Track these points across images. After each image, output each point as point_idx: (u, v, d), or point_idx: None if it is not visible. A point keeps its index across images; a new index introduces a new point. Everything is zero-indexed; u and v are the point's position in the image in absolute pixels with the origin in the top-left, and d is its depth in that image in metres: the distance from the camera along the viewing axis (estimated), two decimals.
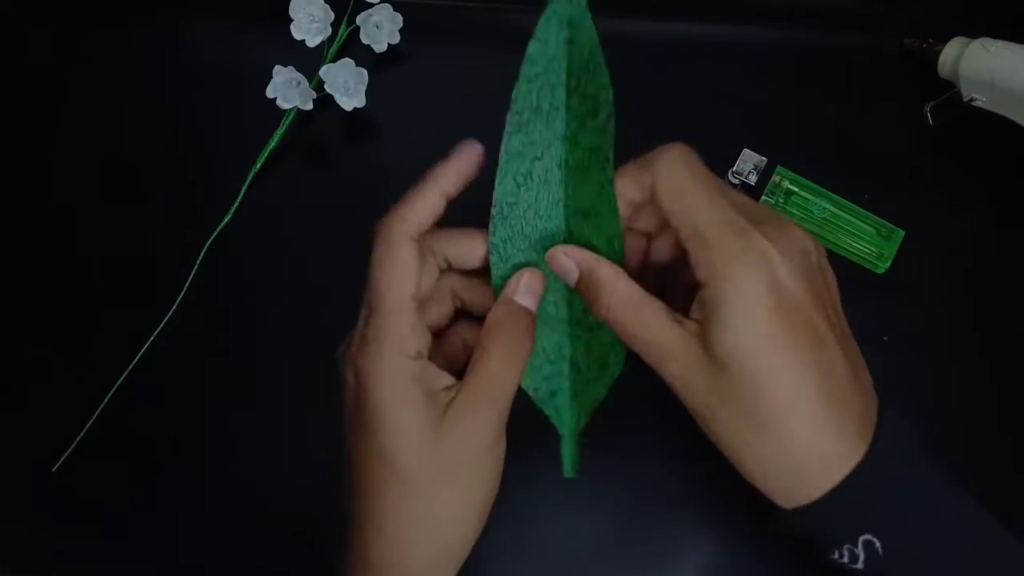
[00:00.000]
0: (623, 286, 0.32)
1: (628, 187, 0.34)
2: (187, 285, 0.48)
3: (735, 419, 0.30)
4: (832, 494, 0.30)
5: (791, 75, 0.51)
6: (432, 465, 0.31)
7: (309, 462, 0.45)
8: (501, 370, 0.32)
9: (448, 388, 0.32)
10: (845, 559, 0.31)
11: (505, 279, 0.35)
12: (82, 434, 0.46)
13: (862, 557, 0.31)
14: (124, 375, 0.47)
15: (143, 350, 0.47)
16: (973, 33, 0.46)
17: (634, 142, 0.42)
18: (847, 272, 0.46)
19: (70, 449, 0.46)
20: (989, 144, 0.47)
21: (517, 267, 0.35)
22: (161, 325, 0.47)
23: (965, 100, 0.46)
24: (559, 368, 0.37)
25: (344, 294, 0.49)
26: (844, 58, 0.51)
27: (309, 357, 0.47)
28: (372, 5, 0.50)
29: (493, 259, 0.35)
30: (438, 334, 0.36)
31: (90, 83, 0.54)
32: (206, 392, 0.47)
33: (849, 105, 0.50)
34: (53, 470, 0.45)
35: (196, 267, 0.48)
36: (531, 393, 0.36)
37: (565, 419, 0.37)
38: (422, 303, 0.33)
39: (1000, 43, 0.44)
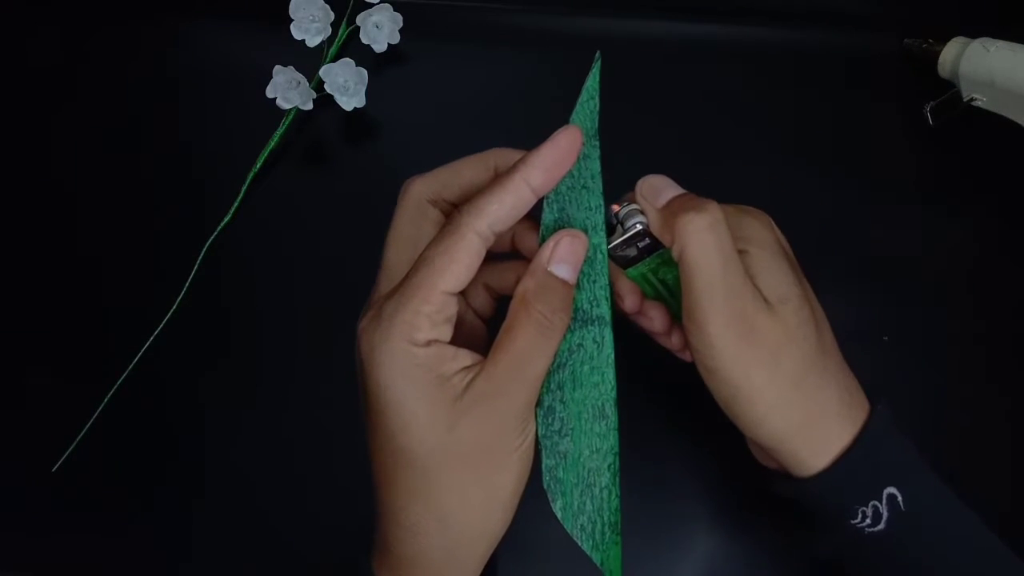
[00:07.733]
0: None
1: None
2: (187, 285, 0.48)
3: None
4: (849, 451, 0.31)
5: (790, 75, 0.51)
6: (447, 453, 0.29)
7: (310, 461, 0.45)
8: (528, 350, 0.29)
9: (468, 368, 0.29)
10: (868, 520, 0.31)
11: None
12: (82, 434, 0.46)
13: (885, 515, 0.31)
14: (124, 375, 0.47)
15: (143, 350, 0.47)
16: (973, 33, 0.46)
17: (633, 142, 0.42)
18: (846, 272, 0.46)
19: (70, 449, 0.46)
20: (989, 144, 0.47)
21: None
22: (161, 325, 0.47)
23: (965, 100, 0.46)
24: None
25: (344, 293, 0.49)
26: (844, 58, 0.51)
27: (309, 356, 0.48)
28: (372, 5, 0.50)
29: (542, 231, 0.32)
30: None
31: (91, 83, 0.55)
32: (206, 392, 0.47)
33: (849, 105, 0.50)
34: (53, 470, 0.45)
35: (196, 267, 0.49)
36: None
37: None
38: (452, 295, 0.30)
39: (1000, 43, 0.44)
